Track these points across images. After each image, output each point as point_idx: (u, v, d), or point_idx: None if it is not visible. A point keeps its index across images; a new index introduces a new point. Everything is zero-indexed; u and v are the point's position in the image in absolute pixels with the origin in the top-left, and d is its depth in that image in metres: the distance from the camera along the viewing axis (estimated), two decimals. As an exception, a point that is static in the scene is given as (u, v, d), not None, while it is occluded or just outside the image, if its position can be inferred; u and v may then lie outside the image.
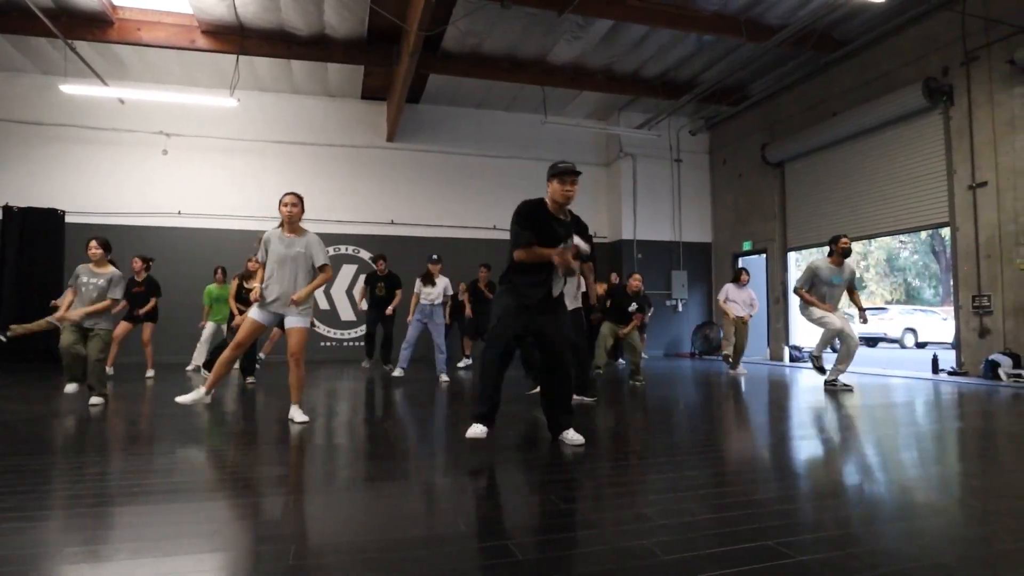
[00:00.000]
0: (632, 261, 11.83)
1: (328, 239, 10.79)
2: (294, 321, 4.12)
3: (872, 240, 15.36)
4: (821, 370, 6.33)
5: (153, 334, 7.74)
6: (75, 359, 4.91)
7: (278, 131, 10.90)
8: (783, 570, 1.69)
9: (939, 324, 17.64)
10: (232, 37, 8.60)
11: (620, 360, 9.79)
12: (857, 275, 6.30)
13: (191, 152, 10.48)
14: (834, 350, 7.65)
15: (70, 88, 8.87)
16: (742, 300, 8.12)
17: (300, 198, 4.18)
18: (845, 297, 6.28)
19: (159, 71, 9.97)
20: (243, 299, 6.79)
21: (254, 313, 4.14)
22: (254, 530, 2.05)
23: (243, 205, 10.54)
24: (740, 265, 9.76)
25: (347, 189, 11.14)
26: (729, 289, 8.21)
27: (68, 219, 9.88)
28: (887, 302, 26.44)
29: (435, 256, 7.52)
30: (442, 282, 7.38)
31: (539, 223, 3.33)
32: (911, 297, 27.86)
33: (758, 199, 11.28)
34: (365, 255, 11.12)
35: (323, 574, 1.69)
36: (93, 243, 5.00)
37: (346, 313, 10.97)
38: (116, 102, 10.02)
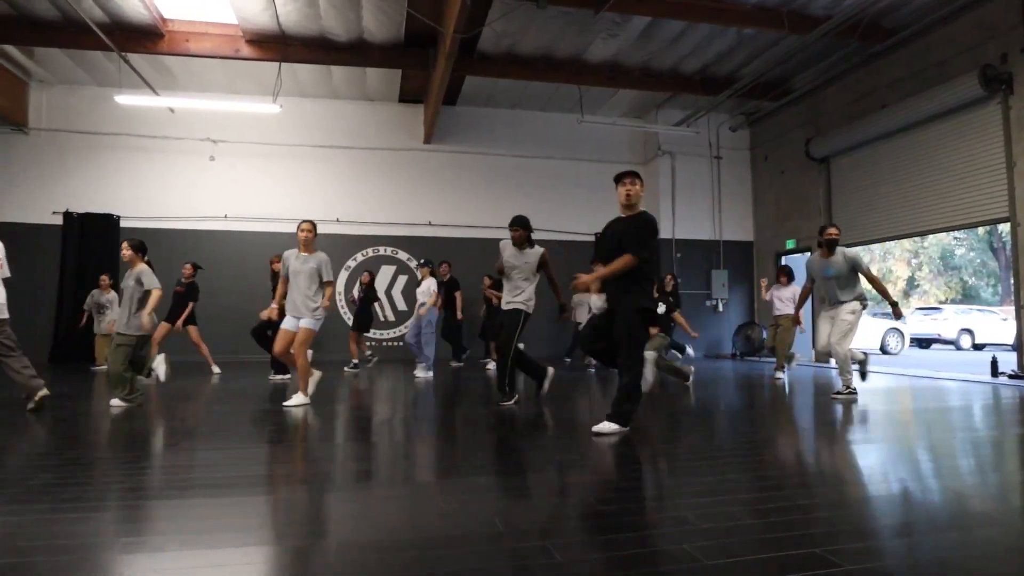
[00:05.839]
0: (671, 261, 11.66)
1: (367, 240, 11.11)
2: (306, 323, 5.07)
3: (925, 237, 14.77)
4: (863, 375, 5.92)
5: (200, 334, 8.05)
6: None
7: (319, 135, 11.15)
8: (830, 578, 1.64)
9: (998, 325, 16.78)
10: (275, 45, 8.85)
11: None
12: (864, 260, 5.72)
13: (236, 158, 10.82)
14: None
15: (124, 98, 9.28)
16: (785, 298, 7.90)
17: (315, 224, 5.13)
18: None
19: (204, 80, 10.33)
20: None
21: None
22: (298, 525, 2.10)
23: (286, 208, 10.82)
24: (783, 263, 9.45)
25: (386, 191, 11.31)
26: (773, 289, 8.10)
27: (123, 224, 10.32)
28: (941, 302, 25.34)
29: None
30: None
31: None
32: (968, 296, 26.62)
33: (802, 196, 10.96)
34: (403, 255, 11.27)
35: (364, 570, 1.71)
36: (124, 244, 5.11)
37: (386, 313, 11.16)
38: (166, 111, 10.43)
